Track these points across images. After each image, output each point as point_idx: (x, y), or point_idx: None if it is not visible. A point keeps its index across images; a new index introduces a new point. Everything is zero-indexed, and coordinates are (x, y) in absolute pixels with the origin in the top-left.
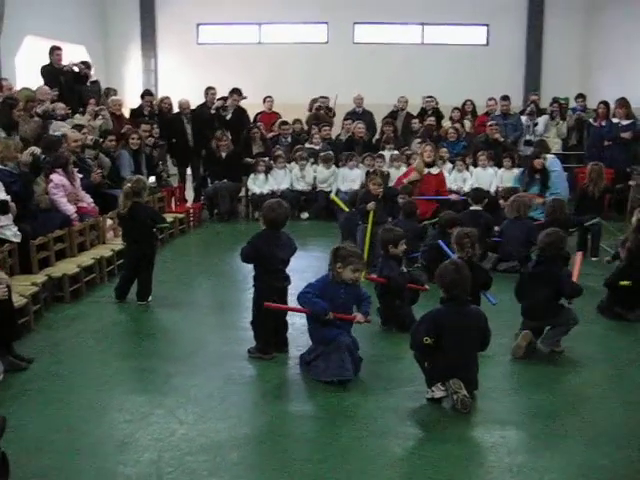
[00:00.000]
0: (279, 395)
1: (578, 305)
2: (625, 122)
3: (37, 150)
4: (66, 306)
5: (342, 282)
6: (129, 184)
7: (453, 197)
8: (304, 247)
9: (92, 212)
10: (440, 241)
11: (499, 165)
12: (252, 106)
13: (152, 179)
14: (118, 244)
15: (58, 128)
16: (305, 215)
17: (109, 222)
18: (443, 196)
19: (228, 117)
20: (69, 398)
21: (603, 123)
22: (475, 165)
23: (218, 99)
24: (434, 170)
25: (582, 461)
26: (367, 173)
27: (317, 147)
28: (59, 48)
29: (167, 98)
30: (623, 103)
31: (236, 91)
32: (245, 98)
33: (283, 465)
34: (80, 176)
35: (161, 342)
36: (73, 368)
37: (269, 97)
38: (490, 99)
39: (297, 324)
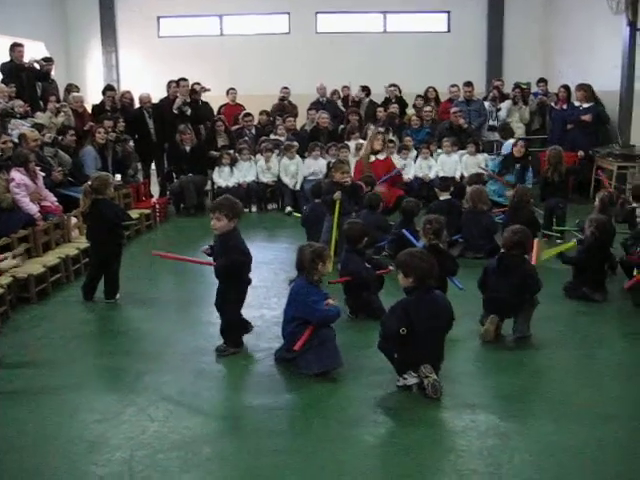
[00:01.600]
0: (249, 389)
1: (544, 287)
2: (585, 105)
3: None
4: (33, 307)
5: (320, 280)
6: (89, 182)
7: (397, 170)
8: (271, 239)
9: (56, 211)
10: (404, 230)
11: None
12: (215, 98)
13: (118, 176)
14: (84, 242)
15: (17, 127)
16: (289, 208)
17: (74, 220)
18: (393, 172)
19: (188, 113)
20: (38, 399)
21: (564, 106)
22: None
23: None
24: (381, 156)
25: (551, 441)
26: (329, 164)
27: (282, 138)
28: (20, 45)
29: (127, 92)
30: (583, 87)
31: (182, 79)
32: (209, 90)
33: (256, 458)
34: (42, 174)
35: (130, 340)
36: (41, 369)
37: (232, 89)
38: (452, 85)
39: (267, 316)
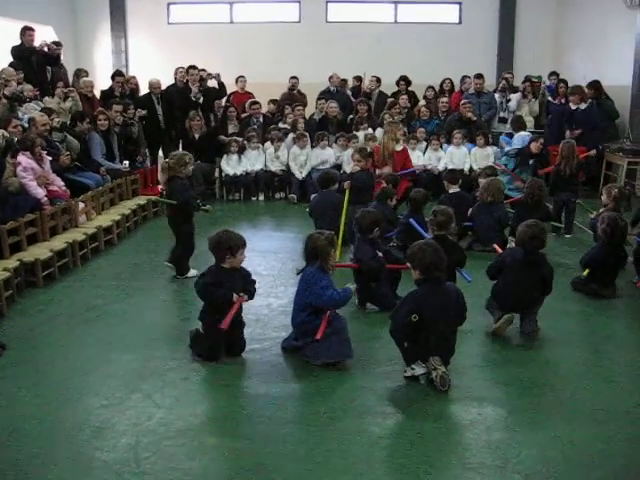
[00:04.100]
0: (256, 378)
1: (553, 281)
2: (583, 106)
3: (7, 133)
4: (39, 291)
5: (332, 267)
6: (167, 159)
7: (417, 170)
8: (278, 228)
9: (63, 195)
10: (411, 219)
11: (473, 143)
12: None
13: (126, 162)
14: (91, 228)
15: (29, 111)
16: (293, 197)
17: (81, 205)
18: (409, 169)
19: (201, 101)
20: (44, 384)
21: (563, 100)
22: (449, 143)
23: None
24: (398, 147)
25: (559, 436)
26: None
27: (289, 127)
28: (31, 29)
29: (133, 78)
30: (577, 89)
31: (192, 67)
32: (215, 77)
33: (262, 447)
34: (49, 159)
35: (136, 326)
36: (47, 354)
37: (242, 77)
38: (465, 77)
39: (273, 305)
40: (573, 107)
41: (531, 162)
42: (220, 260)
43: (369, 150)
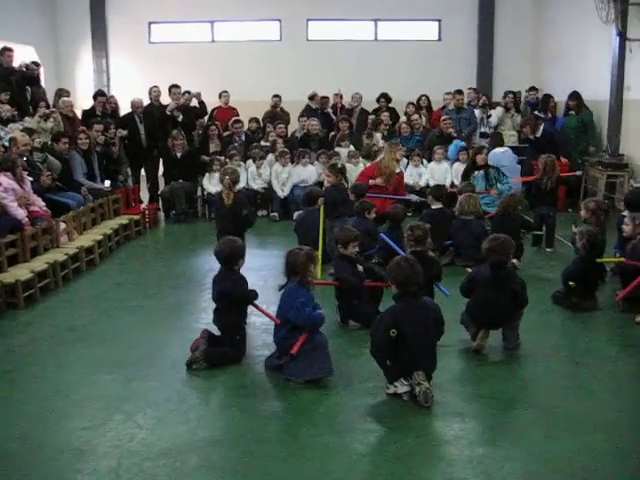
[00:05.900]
0: (238, 396)
1: (534, 295)
2: (539, 133)
3: None
4: (20, 312)
5: (312, 283)
6: (227, 177)
7: (413, 198)
8: (261, 245)
9: (44, 215)
10: (381, 234)
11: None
12: (207, 104)
13: (107, 182)
14: (72, 248)
15: (13, 131)
16: (275, 215)
17: (63, 226)
18: (402, 195)
19: (180, 119)
20: (25, 406)
21: (550, 115)
22: (430, 160)
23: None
24: (397, 169)
25: (541, 451)
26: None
27: (269, 145)
28: (10, 49)
29: (112, 97)
30: (526, 121)
31: (175, 86)
32: (197, 95)
33: (244, 466)
34: (30, 179)
35: (118, 347)
36: (28, 375)
37: (225, 92)
38: (447, 93)
39: (256, 323)
40: (531, 137)
41: (477, 173)
42: (234, 265)
43: (339, 166)
